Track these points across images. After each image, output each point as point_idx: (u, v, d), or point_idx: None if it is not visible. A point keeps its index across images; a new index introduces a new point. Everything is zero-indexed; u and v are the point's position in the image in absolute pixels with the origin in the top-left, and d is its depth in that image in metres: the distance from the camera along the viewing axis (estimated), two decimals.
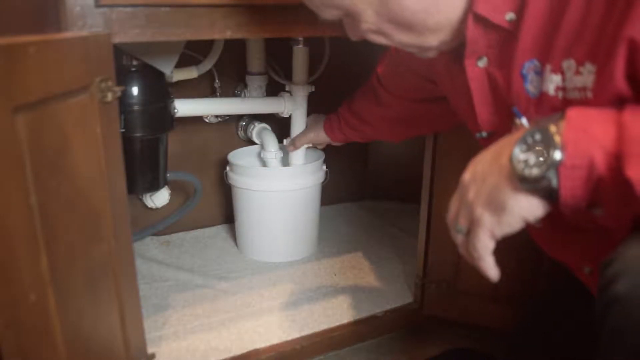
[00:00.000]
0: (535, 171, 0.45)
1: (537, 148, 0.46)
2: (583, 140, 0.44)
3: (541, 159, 0.45)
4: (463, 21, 0.60)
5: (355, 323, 1.06)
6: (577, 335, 0.80)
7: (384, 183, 1.66)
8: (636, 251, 0.42)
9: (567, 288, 0.84)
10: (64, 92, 0.56)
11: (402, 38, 0.62)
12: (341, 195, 1.63)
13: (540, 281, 0.97)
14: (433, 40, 0.62)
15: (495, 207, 0.49)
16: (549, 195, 0.46)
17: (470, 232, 0.53)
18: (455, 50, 0.67)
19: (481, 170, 0.52)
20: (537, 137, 0.46)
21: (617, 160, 0.42)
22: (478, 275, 1.09)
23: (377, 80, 1.01)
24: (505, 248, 0.56)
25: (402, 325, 1.11)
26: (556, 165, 0.44)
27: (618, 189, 0.42)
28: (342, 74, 1.40)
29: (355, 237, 1.43)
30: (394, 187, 1.64)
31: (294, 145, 1.26)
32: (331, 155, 1.33)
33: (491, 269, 0.53)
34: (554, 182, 0.45)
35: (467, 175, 0.54)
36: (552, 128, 0.45)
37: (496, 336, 0.98)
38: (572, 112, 0.46)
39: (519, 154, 0.47)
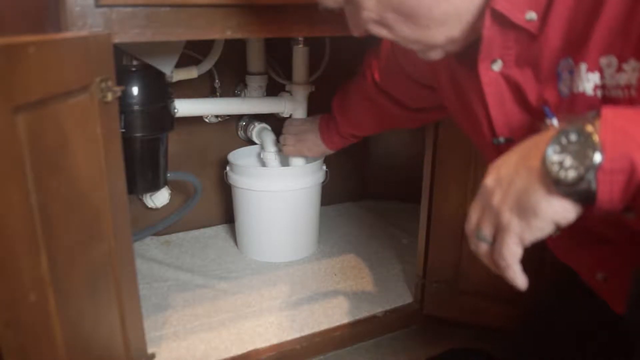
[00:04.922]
0: (572, 174, 0.43)
1: (572, 149, 0.43)
2: (622, 141, 0.41)
3: (578, 160, 0.42)
4: (475, 18, 0.57)
5: (356, 323, 1.06)
6: (578, 335, 0.80)
7: (384, 183, 1.65)
8: None
9: (569, 288, 0.84)
10: (64, 92, 0.56)
11: (405, 30, 0.59)
12: (341, 195, 1.63)
13: (541, 281, 0.96)
14: (439, 36, 0.58)
15: (525, 212, 0.46)
16: (584, 198, 0.44)
17: (496, 239, 0.50)
18: (461, 56, 0.64)
19: (506, 174, 0.48)
20: (573, 137, 0.43)
21: None
22: (478, 275, 1.09)
23: (374, 86, 0.99)
24: None
25: (403, 325, 1.11)
26: (595, 168, 0.42)
27: None
28: (342, 74, 1.39)
29: (355, 237, 1.43)
30: (394, 187, 1.64)
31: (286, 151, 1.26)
32: (331, 155, 1.33)
33: (520, 278, 0.50)
34: (592, 186, 0.42)
35: (489, 180, 0.50)
36: (589, 127, 0.43)
37: (497, 336, 0.98)
38: (608, 112, 0.43)
39: (553, 155, 0.44)
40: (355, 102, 1.07)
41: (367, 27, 0.61)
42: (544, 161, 0.45)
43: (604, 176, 0.42)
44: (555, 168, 0.44)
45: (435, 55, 0.63)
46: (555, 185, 0.44)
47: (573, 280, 0.70)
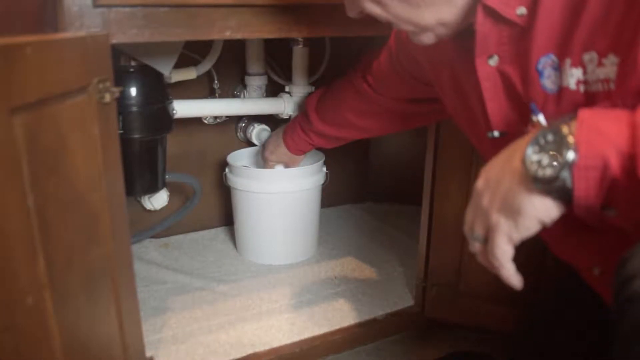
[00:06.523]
0: (548, 172, 0.45)
1: (549, 149, 0.45)
2: (596, 140, 0.43)
3: (554, 159, 0.45)
4: (467, 4, 0.59)
5: (356, 326, 1.06)
6: (579, 336, 0.80)
7: (384, 185, 1.65)
8: None
9: (570, 289, 0.84)
10: (62, 93, 0.56)
11: (397, 9, 0.60)
12: (341, 197, 1.63)
13: (542, 283, 0.96)
14: (429, 17, 0.60)
15: (510, 211, 0.49)
16: (563, 196, 0.46)
17: (487, 239, 0.52)
18: (462, 50, 0.66)
19: (494, 176, 0.51)
20: (550, 137, 0.46)
21: (631, 162, 0.42)
22: (479, 277, 1.09)
23: (368, 87, 1.00)
24: None
25: (403, 328, 1.11)
26: (570, 166, 0.44)
27: (632, 191, 0.42)
28: (342, 75, 1.39)
29: (355, 239, 1.43)
30: (394, 189, 1.63)
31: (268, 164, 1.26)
32: (331, 156, 1.33)
33: (513, 276, 0.53)
34: (568, 183, 0.45)
35: (480, 182, 0.53)
36: (565, 128, 0.45)
37: (498, 338, 0.98)
38: (585, 113, 0.46)
39: (532, 154, 0.47)
40: (342, 101, 1.06)
41: (362, 5, 0.62)
42: (524, 161, 0.47)
43: (579, 173, 0.44)
44: (533, 167, 0.46)
45: (427, 39, 0.64)
46: (534, 183, 0.47)
47: (574, 282, 0.70)
